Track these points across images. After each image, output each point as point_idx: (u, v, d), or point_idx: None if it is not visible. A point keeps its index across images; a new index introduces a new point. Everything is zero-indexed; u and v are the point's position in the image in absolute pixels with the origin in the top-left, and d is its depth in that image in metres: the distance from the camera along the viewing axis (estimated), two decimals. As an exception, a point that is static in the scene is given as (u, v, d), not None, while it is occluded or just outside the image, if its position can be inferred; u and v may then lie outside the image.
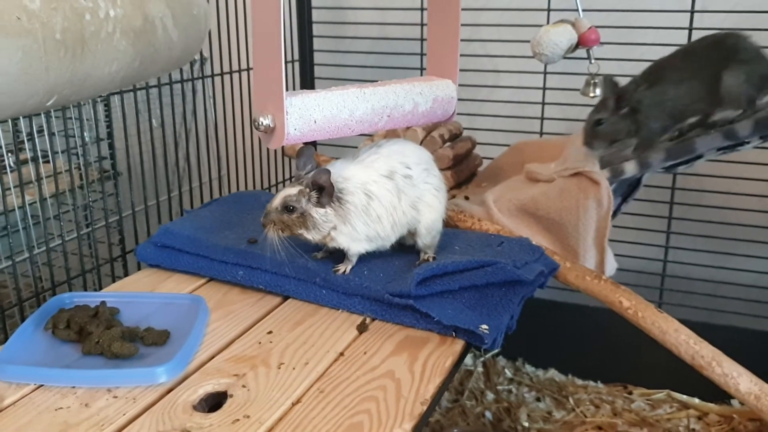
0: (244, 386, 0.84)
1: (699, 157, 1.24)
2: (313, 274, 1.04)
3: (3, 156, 1.36)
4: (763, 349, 1.28)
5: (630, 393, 1.67)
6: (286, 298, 1.07)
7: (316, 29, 1.80)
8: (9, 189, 1.28)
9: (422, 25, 1.72)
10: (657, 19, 1.57)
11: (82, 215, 1.50)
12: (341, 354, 0.92)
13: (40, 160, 1.34)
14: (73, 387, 0.83)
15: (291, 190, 1.00)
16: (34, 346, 0.90)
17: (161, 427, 0.76)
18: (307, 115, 0.92)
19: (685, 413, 1.59)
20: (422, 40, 1.72)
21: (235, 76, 1.68)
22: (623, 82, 1.30)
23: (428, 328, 0.97)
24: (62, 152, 1.42)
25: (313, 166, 1.03)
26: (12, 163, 1.39)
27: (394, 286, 0.99)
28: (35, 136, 1.32)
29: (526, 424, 1.56)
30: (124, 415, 0.78)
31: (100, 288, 1.35)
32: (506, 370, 1.75)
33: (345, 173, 1.02)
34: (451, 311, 0.96)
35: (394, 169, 1.04)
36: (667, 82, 1.20)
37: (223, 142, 1.75)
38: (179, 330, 0.94)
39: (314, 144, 1.77)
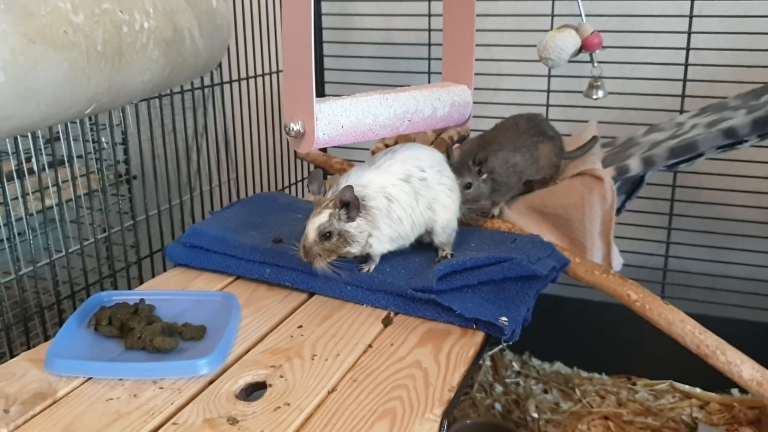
0: (281, 376, 0.89)
1: (700, 155, 1.30)
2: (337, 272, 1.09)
3: (22, 161, 1.40)
4: (760, 340, 1.34)
5: (634, 384, 1.73)
6: (311, 294, 1.12)
7: (326, 35, 1.85)
8: (28, 194, 1.32)
9: (429, 30, 1.77)
10: (656, 23, 1.63)
11: (100, 219, 1.54)
12: (369, 346, 0.97)
13: (65, 164, 1.38)
14: (121, 379, 0.88)
15: (321, 218, 1.02)
16: (79, 342, 0.95)
17: (208, 415, 0.81)
18: (334, 120, 0.98)
19: (687, 403, 1.65)
20: (429, 45, 1.78)
21: (246, 82, 1.73)
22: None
23: (450, 321, 1.02)
24: (77, 157, 1.46)
25: (321, 184, 1.06)
26: (34, 168, 1.44)
27: (417, 282, 1.04)
28: (53, 141, 1.37)
29: (535, 415, 1.61)
30: (171, 404, 0.83)
31: (116, 289, 1.40)
32: (513, 364, 1.81)
33: (363, 180, 1.06)
34: (471, 305, 1.01)
35: (410, 172, 1.09)
36: (508, 151, 1.33)
37: (234, 147, 1.80)
38: (214, 325, 0.99)
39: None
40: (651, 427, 1.55)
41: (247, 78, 1.72)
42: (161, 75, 1.11)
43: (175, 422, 0.80)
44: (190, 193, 1.65)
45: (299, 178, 1.91)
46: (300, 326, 1.02)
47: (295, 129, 0.97)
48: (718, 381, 1.65)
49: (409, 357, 0.95)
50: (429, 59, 1.78)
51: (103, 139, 1.52)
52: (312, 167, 1.90)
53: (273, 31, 1.77)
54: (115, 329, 0.97)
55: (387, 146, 1.58)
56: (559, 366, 1.81)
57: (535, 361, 1.83)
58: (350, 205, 1.02)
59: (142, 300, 1.01)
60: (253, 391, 0.89)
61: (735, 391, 1.66)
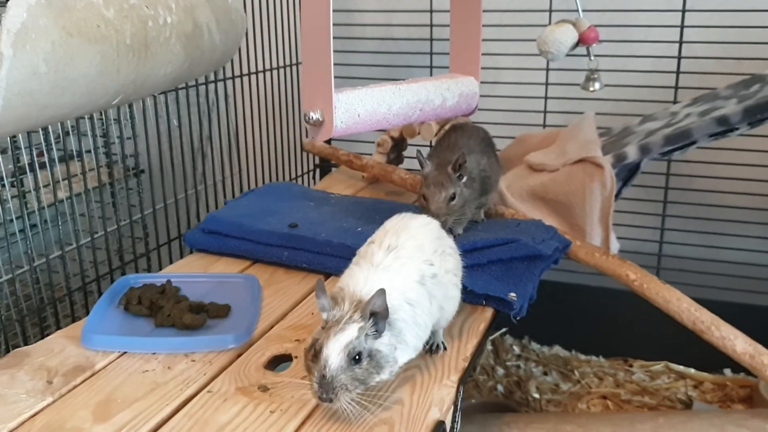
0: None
1: (693, 143, 1.36)
2: (352, 252, 1.14)
3: (34, 156, 1.43)
4: (751, 322, 1.39)
5: (630, 366, 1.80)
6: (328, 275, 1.17)
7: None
8: (39, 188, 1.36)
9: (431, 26, 1.83)
10: (650, 18, 1.70)
11: (111, 212, 1.58)
12: (387, 322, 1.03)
13: (74, 159, 1.42)
14: (154, 353, 0.93)
15: (348, 334, 0.78)
16: (111, 321, 1.00)
17: (239, 384, 0.87)
18: (352, 109, 1.03)
19: (682, 383, 1.71)
20: (431, 40, 1.83)
21: (252, 77, 1.77)
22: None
23: (461, 299, 1.08)
24: (86, 152, 1.50)
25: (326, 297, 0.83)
26: (46, 162, 1.48)
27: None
28: (62, 136, 1.41)
29: (536, 396, 1.67)
30: (204, 374, 0.89)
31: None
32: (514, 348, 1.87)
33: (378, 285, 0.82)
34: (481, 282, 1.07)
35: (423, 272, 0.89)
36: (476, 154, 1.25)
37: (240, 141, 1.85)
38: (237, 304, 1.04)
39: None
40: (648, 405, 1.62)
41: (254, 73, 1.77)
42: (181, 68, 1.16)
43: (210, 390, 0.85)
44: (195, 187, 1.69)
45: (305, 170, 1.96)
46: (319, 304, 1.08)
47: (314, 118, 1.02)
48: (711, 362, 1.73)
49: (425, 331, 1.00)
50: (431, 54, 1.84)
51: (114, 134, 1.57)
52: (318, 160, 1.96)
53: (278, 27, 1.82)
54: (144, 308, 1.02)
55: (392, 138, 1.64)
56: (557, 349, 1.88)
57: (535, 345, 1.89)
58: (378, 316, 0.80)
59: (168, 281, 1.07)
60: (279, 363, 0.94)
61: (727, 371, 1.73)
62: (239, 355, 0.94)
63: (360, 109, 1.04)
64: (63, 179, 1.39)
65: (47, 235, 1.37)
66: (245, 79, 1.76)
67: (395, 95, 1.08)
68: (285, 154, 1.89)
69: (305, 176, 1.95)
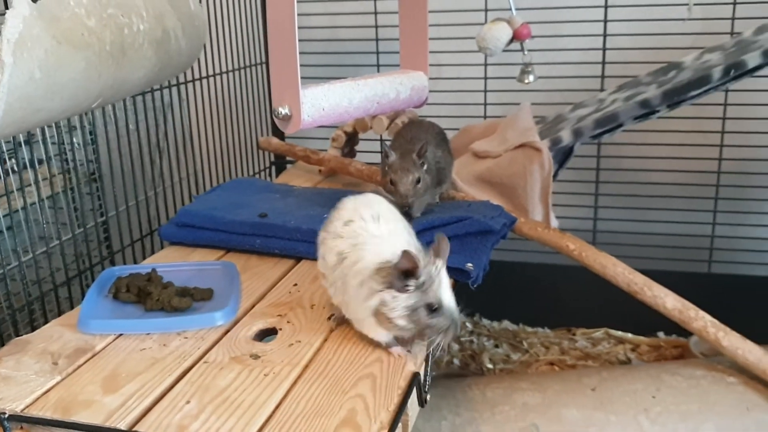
0: (288, 322, 1.04)
1: (620, 125, 1.51)
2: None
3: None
4: (680, 287, 1.55)
5: (573, 334, 1.95)
6: (298, 260, 1.27)
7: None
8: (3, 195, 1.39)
9: (376, 27, 1.94)
10: (576, 14, 1.85)
11: (73, 216, 1.62)
12: (357, 295, 1.13)
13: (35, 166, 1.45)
14: (148, 334, 1.01)
15: (447, 281, 0.89)
16: (103, 308, 1.07)
17: (232, 354, 0.96)
18: (317, 104, 1.13)
19: (621, 347, 1.87)
20: (377, 40, 1.95)
21: (202, 82, 1.83)
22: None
23: (422, 272, 1.19)
24: (48, 159, 1.53)
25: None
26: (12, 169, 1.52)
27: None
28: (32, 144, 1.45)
29: (490, 366, 1.81)
30: (198, 348, 0.97)
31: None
32: (467, 324, 2.00)
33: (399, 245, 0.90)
34: (440, 255, 1.18)
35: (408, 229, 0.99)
36: (432, 146, 1.33)
37: (195, 143, 1.92)
38: (219, 288, 1.13)
39: (282, 136, 1.97)
40: (592, 368, 1.77)
41: (204, 78, 1.84)
42: (152, 71, 1.24)
43: (206, 361, 0.94)
44: (154, 189, 1.75)
45: (260, 168, 2.04)
46: (295, 284, 1.17)
47: (283, 113, 1.12)
48: (646, 326, 1.89)
49: (393, 301, 1.11)
50: (377, 53, 1.95)
51: (74, 140, 1.62)
52: (273, 157, 2.04)
53: (226, 33, 1.89)
54: (133, 295, 1.10)
55: (345, 133, 1.74)
56: (506, 324, 2.01)
57: (485, 321, 2.03)
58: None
59: (154, 270, 1.15)
60: (264, 337, 1.04)
61: (661, 334, 1.90)
62: (227, 331, 1.02)
63: (324, 104, 1.14)
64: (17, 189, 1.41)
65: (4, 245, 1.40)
66: (197, 83, 1.82)
67: (355, 90, 1.18)
68: (239, 154, 1.97)
69: (261, 174, 2.03)
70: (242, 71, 1.96)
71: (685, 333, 1.80)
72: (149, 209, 1.74)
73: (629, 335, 1.91)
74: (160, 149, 1.87)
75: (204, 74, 1.84)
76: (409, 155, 1.25)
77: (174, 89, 1.77)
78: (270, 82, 2.01)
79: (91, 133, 1.74)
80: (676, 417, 1.25)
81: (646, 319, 1.80)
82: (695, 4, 1.57)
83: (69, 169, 1.56)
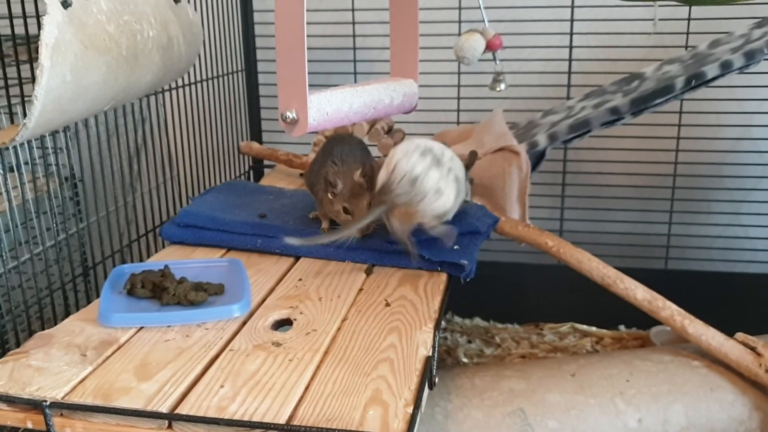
0: (301, 313, 1.11)
1: (590, 130, 1.62)
2: (321, 236, 1.31)
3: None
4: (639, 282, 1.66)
5: (541, 329, 2.05)
6: (297, 258, 1.33)
7: (259, 42, 2.05)
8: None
9: (354, 36, 2.02)
10: (543, 27, 1.97)
11: (52, 223, 1.62)
12: (361, 289, 1.20)
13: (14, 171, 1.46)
14: (169, 326, 1.06)
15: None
16: (120, 304, 1.11)
17: (255, 342, 1.02)
18: (321, 108, 1.20)
19: (587, 339, 1.99)
20: (354, 49, 2.02)
21: (182, 90, 1.86)
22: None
23: (419, 267, 1.26)
24: (25, 164, 1.54)
25: None
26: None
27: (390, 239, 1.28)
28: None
29: (465, 360, 1.89)
30: (221, 339, 1.03)
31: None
32: (441, 322, 2.08)
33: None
34: (436, 251, 1.26)
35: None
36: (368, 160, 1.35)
37: (172, 149, 1.94)
38: (229, 283, 1.18)
39: (260, 140, 2.02)
40: (570, 356, 1.87)
41: (181, 86, 1.87)
42: (158, 76, 1.29)
43: (231, 349, 1.00)
44: (133, 194, 1.77)
45: (238, 173, 2.08)
46: (300, 279, 1.23)
47: (290, 117, 1.18)
48: (609, 320, 2.01)
49: (396, 294, 1.19)
50: (354, 61, 2.03)
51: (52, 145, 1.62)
52: (251, 162, 2.09)
53: (205, 43, 1.92)
54: (148, 291, 1.14)
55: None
56: (477, 320, 2.11)
57: (458, 319, 2.12)
58: None
59: (166, 266, 1.19)
60: (278, 327, 1.10)
61: (622, 327, 2.02)
62: (245, 323, 1.08)
63: (328, 108, 1.21)
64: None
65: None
66: (173, 92, 1.84)
67: (355, 96, 1.25)
68: (217, 160, 2.01)
69: (240, 179, 2.07)
70: (218, 80, 2.00)
71: (645, 326, 1.94)
72: (128, 215, 1.76)
73: (594, 329, 2.03)
74: (139, 155, 1.90)
75: (185, 83, 1.86)
76: (351, 178, 1.28)
77: (152, 97, 1.79)
78: (248, 89, 2.08)
79: (72, 139, 1.76)
80: (648, 398, 1.35)
81: (609, 314, 1.93)
82: (660, 20, 1.69)
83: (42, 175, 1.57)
